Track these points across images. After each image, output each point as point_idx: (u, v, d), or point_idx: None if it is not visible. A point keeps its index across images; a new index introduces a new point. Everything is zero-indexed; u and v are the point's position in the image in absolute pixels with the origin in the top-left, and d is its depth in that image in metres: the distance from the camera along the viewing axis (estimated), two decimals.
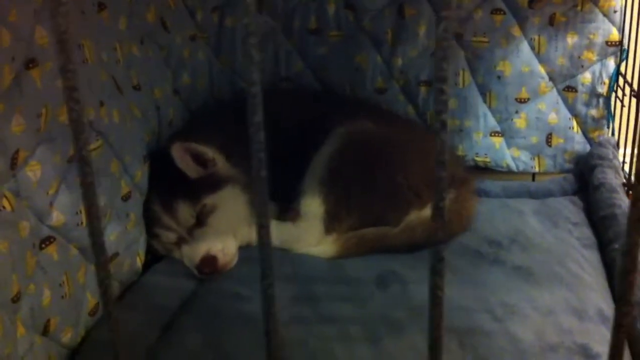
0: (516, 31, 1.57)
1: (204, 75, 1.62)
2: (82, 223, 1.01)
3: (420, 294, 1.15)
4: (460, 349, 1.01)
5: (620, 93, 1.55)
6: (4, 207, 0.85)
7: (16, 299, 0.85)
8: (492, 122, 1.64)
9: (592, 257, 1.25)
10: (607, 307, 1.10)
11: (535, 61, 1.58)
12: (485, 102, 1.63)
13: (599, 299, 1.12)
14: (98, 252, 0.38)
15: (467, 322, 1.07)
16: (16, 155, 0.88)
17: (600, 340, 1.01)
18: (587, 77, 1.57)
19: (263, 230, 0.34)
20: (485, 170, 1.65)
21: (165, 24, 1.43)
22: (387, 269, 1.23)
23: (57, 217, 0.96)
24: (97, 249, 0.38)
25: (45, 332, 0.93)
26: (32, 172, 0.91)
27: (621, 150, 1.55)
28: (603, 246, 1.28)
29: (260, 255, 0.34)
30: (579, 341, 1.01)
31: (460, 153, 1.64)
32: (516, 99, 1.61)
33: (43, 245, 0.94)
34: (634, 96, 1.40)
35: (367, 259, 1.27)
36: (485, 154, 1.65)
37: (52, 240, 0.95)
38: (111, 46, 1.17)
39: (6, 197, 0.86)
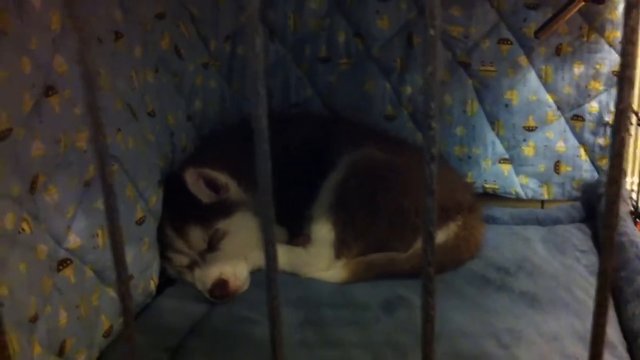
0: (523, 61, 1.60)
1: (215, 101, 1.65)
2: (98, 246, 1.03)
3: None
4: None
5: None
6: (23, 230, 0.87)
7: (33, 320, 0.87)
8: (500, 149, 1.66)
9: None
10: (614, 334, 1.10)
11: (542, 90, 1.61)
12: (493, 130, 1.65)
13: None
14: (120, 266, 0.40)
15: (473, 348, 1.08)
16: (35, 179, 0.90)
17: None
18: (594, 106, 1.59)
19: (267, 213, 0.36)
20: (493, 197, 1.67)
21: (179, 52, 1.46)
22: (394, 294, 1.24)
23: (73, 240, 0.98)
24: (119, 259, 0.40)
25: (60, 352, 0.94)
26: (50, 196, 0.93)
27: (628, 179, 1.57)
28: None
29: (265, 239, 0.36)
30: None
31: (469, 180, 1.66)
32: (524, 127, 1.63)
33: (60, 268, 0.96)
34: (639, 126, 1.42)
35: (375, 284, 1.29)
36: (494, 181, 1.67)
37: (68, 262, 0.97)
38: (127, 74, 1.20)
39: (25, 220, 0.88)
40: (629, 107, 0.41)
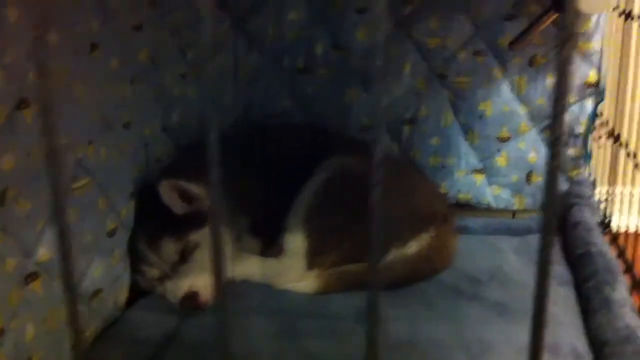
0: (498, 72, 1.62)
1: (194, 112, 1.65)
2: None
3: (398, 330, 1.17)
4: None
5: (596, 133, 1.59)
6: None
7: (0, 334, 0.87)
8: (473, 160, 1.68)
9: (567, 295, 1.28)
10: (581, 344, 1.12)
11: (516, 101, 1.63)
12: (467, 140, 1.67)
13: (573, 336, 1.14)
14: (70, 289, 0.40)
15: (443, 358, 1.09)
16: (5, 192, 0.90)
17: None
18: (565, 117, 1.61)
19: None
20: (466, 207, 1.69)
21: (157, 63, 1.46)
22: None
23: (43, 253, 0.98)
24: (70, 285, 0.40)
25: None
26: (21, 209, 0.93)
27: (598, 189, 1.59)
28: (578, 284, 1.31)
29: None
30: None
31: (442, 190, 1.68)
32: (497, 138, 1.65)
33: (28, 281, 0.96)
34: (609, 137, 1.44)
35: (350, 294, 1.29)
36: (467, 191, 1.69)
37: (37, 275, 0.97)
38: (102, 86, 1.20)
39: None
40: (563, 136, 0.43)
